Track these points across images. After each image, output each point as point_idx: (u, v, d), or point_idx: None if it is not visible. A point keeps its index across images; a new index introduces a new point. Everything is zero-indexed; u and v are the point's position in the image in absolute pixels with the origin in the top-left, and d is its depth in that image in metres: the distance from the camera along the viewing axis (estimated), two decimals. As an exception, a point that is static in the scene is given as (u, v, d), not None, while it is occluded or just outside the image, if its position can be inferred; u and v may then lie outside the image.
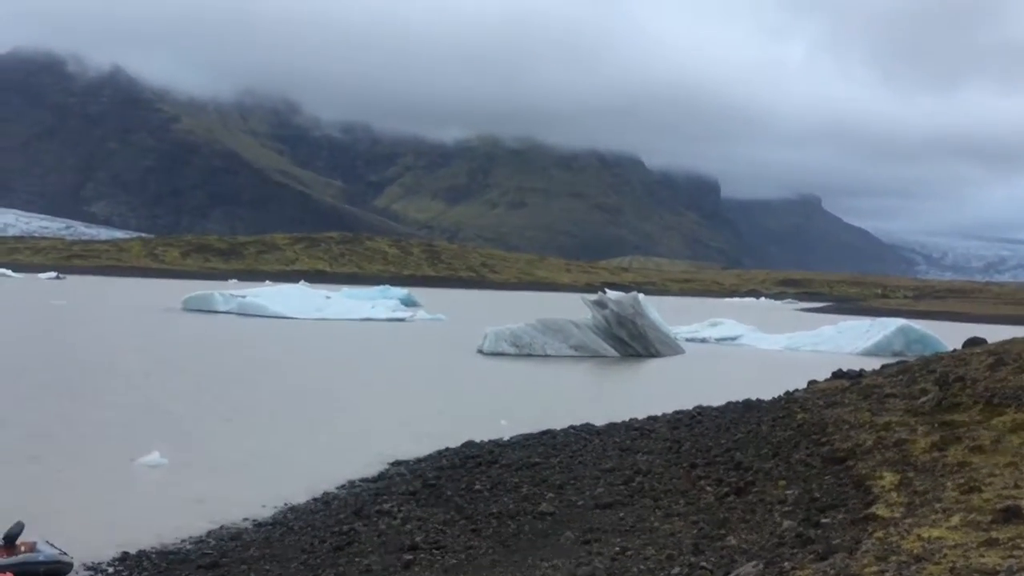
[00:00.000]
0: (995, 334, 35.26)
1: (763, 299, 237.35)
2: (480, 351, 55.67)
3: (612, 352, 58.11)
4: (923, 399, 17.72)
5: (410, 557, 14.74)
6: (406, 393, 36.86)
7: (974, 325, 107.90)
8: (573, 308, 76.28)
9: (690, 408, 27.11)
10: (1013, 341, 22.26)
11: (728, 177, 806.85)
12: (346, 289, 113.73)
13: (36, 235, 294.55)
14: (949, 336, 64.92)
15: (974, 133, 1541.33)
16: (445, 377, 43.18)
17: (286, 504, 19.56)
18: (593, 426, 26.47)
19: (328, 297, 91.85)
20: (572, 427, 26.54)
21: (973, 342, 25.70)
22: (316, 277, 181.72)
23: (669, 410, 27.64)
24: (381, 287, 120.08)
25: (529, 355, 55.45)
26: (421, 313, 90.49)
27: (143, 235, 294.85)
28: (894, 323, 69.30)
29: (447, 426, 28.65)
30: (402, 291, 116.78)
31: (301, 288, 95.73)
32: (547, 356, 55.74)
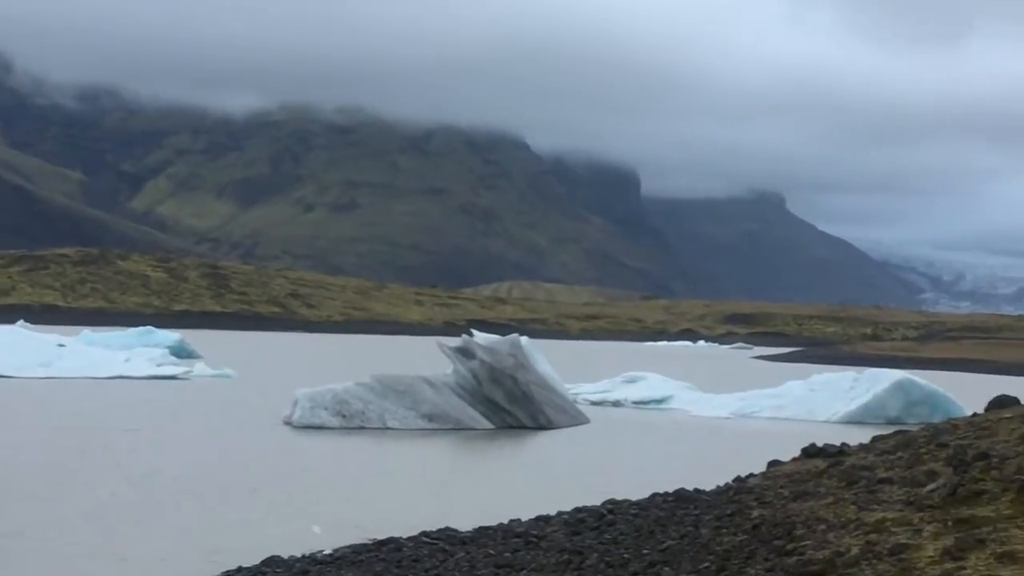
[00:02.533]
0: (1030, 390, 36.12)
1: (703, 343, 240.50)
2: (288, 423, 55.16)
3: (483, 422, 58.08)
4: (931, 486, 18.01)
5: None
6: (172, 492, 36.25)
7: (1003, 378, 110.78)
8: (426, 358, 76.03)
9: (598, 504, 27.15)
10: (1056, 400, 22.85)
11: (652, 167, 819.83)
12: (88, 332, 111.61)
13: None
14: (967, 394, 66.37)
15: (993, 104, 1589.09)
16: (233, 463, 42.64)
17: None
18: (456, 533, 26.36)
19: (61, 345, 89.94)
20: (426, 534, 26.38)
21: (1001, 403, 26.27)
22: (43, 315, 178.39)
23: (567, 507, 27.64)
24: (141, 329, 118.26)
25: (361, 428, 55.10)
26: (200, 367, 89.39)
27: None
28: (889, 376, 70.46)
29: (236, 537, 28.27)
30: (172, 335, 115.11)
31: (19, 331, 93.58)
32: (387, 429, 55.48)
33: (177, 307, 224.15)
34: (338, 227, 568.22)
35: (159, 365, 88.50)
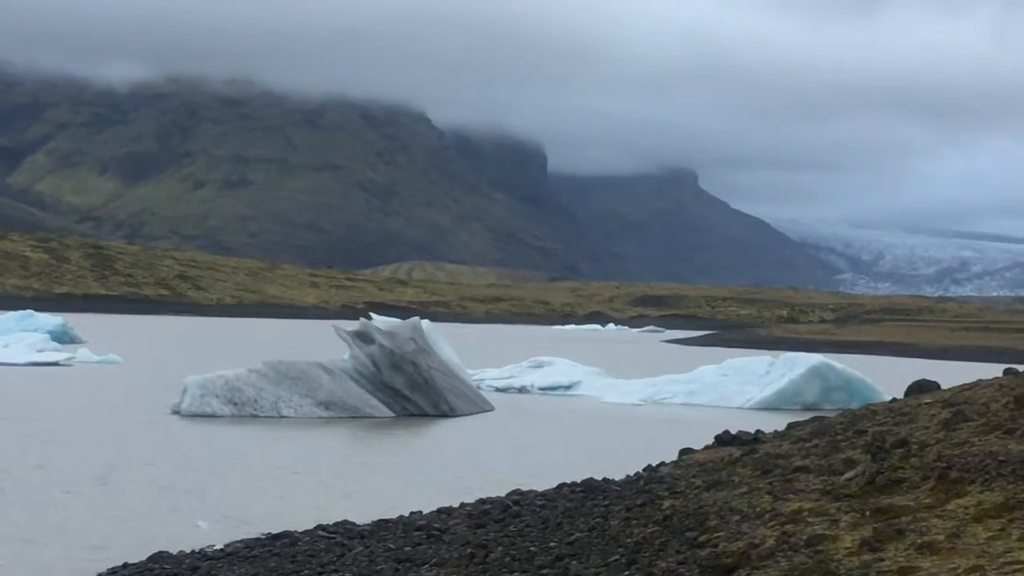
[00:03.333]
0: (953, 375, 36.56)
1: (612, 326, 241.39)
2: (177, 411, 54.77)
3: (383, 410, 57.99)
4: (849, 474, 18.14)
5: None
6: (52, 487, 35.88)
7: (923, 362, 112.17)
8: (323, 343, 75.77)
9: (502, 495, 27.17)
10: (978, 385, 23.05)
11: (559, 142, 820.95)
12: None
13: None
14: (886, 379, 67.08)
15: (914, 76, 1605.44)
16: (118, 455, 42.27)
17: None
18: (354, 526, 26.32)
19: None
20: (322, 528, 26.31)
21: (921, 388, 26.54)
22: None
23: (470, 499, 27.67)
24: (20, 313, 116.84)
25: (254, 416, 54.82)
26: (84, 353, 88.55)
27: None
28: (806, 361, 70.93)
29: (121, 533, 28.06)
30: (53, 319, 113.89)
31: None
32: (282, 418, 55.24)
33: (58, 290, 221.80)
34: (229, 205, 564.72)
35: (40, 351, 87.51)
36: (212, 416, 54.21)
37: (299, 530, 26.34)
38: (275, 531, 26.39)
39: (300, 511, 29.79)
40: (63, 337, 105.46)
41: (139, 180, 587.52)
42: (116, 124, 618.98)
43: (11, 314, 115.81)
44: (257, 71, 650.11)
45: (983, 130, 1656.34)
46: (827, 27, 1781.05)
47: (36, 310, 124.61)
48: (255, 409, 55.70)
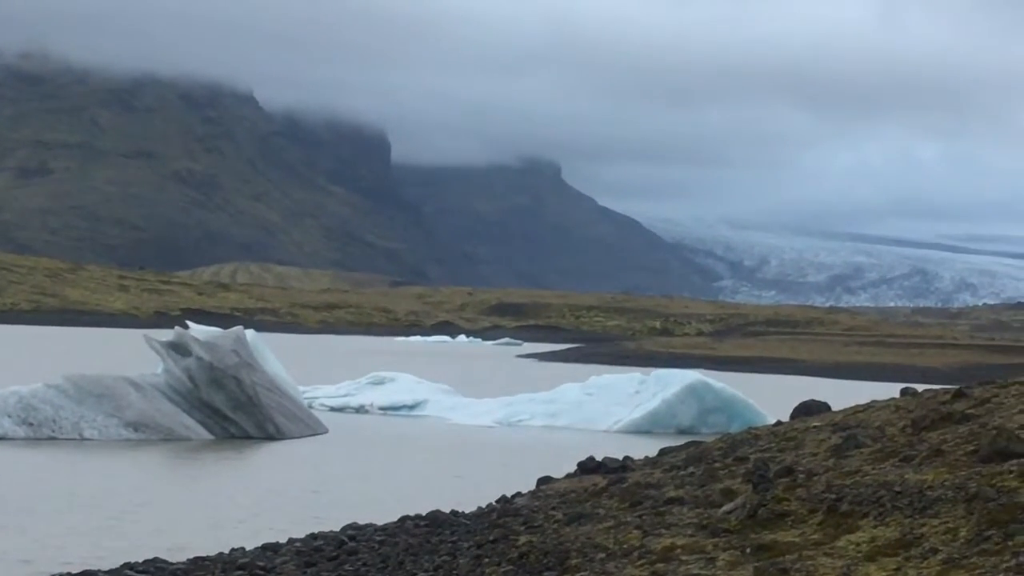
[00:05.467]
0: (844, 394, 37.03)
1: (463, 338, 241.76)
2: (-38, 433, 53.98)
3: (200, 432, 57.57)
4: (728, 507, 18.30)
5: None
6: None
7: (812, 380, 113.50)
8: (133, 356, 75.08)
9: (337, 530, 27.12)
10: (872, 407, 23.38)
11: (404, 129, 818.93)
12: None
13: None
14: (771, 399, 67.77)
15: (793, 59, 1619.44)
16: None
17: None
18: (167, 565, 26.10)
19: None
20: (130, 567, 26.07)
21: (809, 409, 26.89)
22: None
23: (300, 533, 27.56)
24: None
25: (52, 438, 54.15)
26: None
27: None
28: (680, 379, 71.43)
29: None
30: None
31: None
32: (84, 440, 54.64)
33: None
34: (26, 196, 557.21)
35: None
36: (3, 438, 53.47)
37: (103, 570, 26.06)
38: (75, 571, 26.08)
39: (104, 547, 29.44)
40: None
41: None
42: None
43: None
44: (55, 44, 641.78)
45: (875, 121, 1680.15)
46: (689, 3, 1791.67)
47: None
48: (53, 430, 54.98)
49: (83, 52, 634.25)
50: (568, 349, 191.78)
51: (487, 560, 19.46)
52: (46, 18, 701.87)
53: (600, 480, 23.49)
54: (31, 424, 55.07)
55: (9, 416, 54.86)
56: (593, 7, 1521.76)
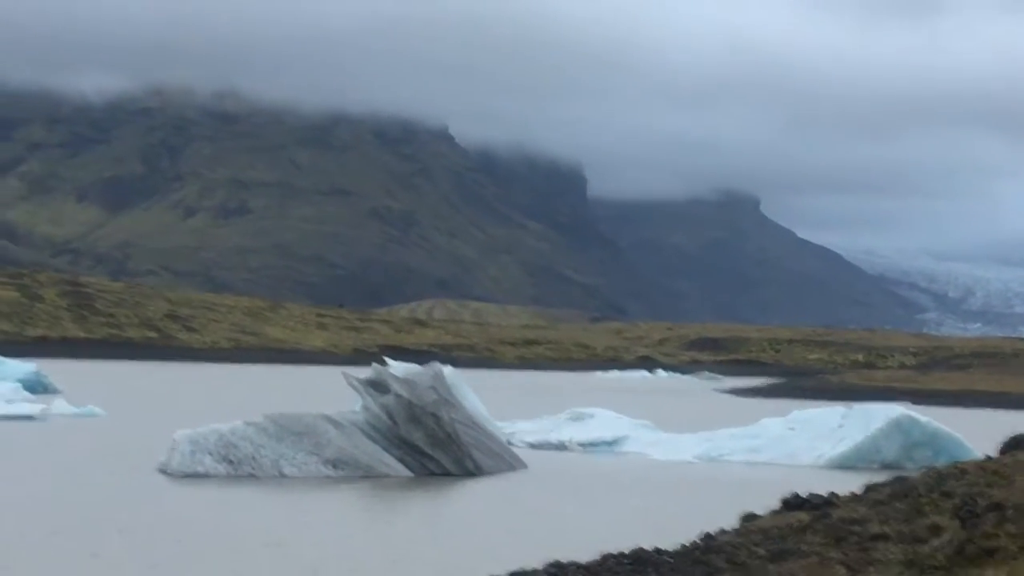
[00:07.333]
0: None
1: (662, 373, 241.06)
2: (164, 471, 54.69)
3: (399, 469, 57.86)
4: (935, 543, 17.99)
5: None
6: (20, 558, 35.89)
7: (1020, 414, 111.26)
8: (331, 393, 75.68)
9: (539, 567, 27.07)
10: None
11: (600, 163, 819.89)
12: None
13: None
14: (978, 434, 66.56)
15: (984, 84, 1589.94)
16: (94, 521, 42.26)
17: None
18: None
19: None
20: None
21: (1017, 443, 26.36)
22: None
23: (500, 571, 27.52)
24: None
25: (252, 476, 54.70)
26: (60, 404, 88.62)
27: None
28: (885, 412, 70.67)
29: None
30: (25, 366, 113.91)
31: None
32: (283, 478, 55.15)
33: (31, 332, 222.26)
34: (225, 236, 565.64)
35: (9, 402, 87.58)
36: (204, 476, 54.04)
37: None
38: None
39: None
40: (36, 386, 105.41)
41: (122, 208, 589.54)
42: (95, 144, 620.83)
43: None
44: (248, 82, 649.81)
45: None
46: (877, 29, 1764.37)
47: (5, 356, 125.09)
48: (253, 468, 55.56)
49: (273, 90, 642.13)
50: (769, 384, 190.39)
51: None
52: (235, 57, 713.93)
53: (804, 516, 23.25)
54: (231, 462, 55.67)
55: (209, 454, 55.50)
56: (779, 37, 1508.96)
